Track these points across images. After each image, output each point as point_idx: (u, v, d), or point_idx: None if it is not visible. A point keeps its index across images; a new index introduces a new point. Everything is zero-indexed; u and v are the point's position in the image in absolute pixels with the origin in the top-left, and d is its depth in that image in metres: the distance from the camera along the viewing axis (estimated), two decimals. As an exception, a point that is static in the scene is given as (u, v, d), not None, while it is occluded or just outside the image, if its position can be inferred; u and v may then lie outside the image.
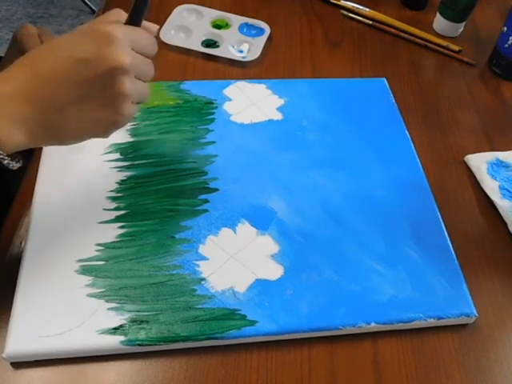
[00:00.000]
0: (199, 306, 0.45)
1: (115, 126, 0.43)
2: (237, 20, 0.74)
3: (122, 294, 0.46)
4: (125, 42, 0.40)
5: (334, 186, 0.55)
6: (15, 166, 0.41)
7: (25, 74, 0.40)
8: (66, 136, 0.42)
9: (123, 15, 0.43)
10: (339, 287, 0.48)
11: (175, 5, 0.75)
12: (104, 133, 0.43)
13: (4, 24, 1.90)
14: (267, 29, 0.73)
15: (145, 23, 0.44)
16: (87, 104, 0.40)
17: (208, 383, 0.43)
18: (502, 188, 0.58)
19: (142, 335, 0.43)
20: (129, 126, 0.58)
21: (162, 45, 0.70)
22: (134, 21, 0.43)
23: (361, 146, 0.60)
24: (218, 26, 0.74)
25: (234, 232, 0.51)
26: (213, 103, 0.62)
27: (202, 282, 0.47)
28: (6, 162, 0.40)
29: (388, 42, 0.76)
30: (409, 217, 0.54)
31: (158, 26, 0.46)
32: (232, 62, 0.69)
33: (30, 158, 0.56)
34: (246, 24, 0.74)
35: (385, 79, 0.68)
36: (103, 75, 0.39)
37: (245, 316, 0.45)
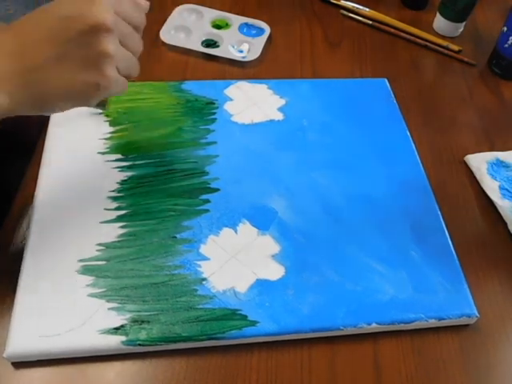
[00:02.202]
0: (200, 306, 0.45)
1: (98, 89, 0.40)
2: (237, 20, 0.74)
3: (123, 293, 0.46)
4: (108, 2, 0.39)
5: (334, 186, 0.55)
6: None
7: (7, 31, 0.39)
8: (47, 98, 0.40)
9: None
10: (340, 287, 0.48)
11: (175, 5, 0.75)
12: (87, 96, 0.41)
13: (4, 24, 1.90)
14: (267, 29, 0.73)
15: None
16: (68, 63, 0.39)
17: (208, 383, 0.43)
18: (501, 188, 0.58)
19: (142, 335, 0.43)
20: (129, 125, 0.58)
21: (162, 45, 0.70)
22: None
23: (362, 146, 0.60)
24: (217, 26, 0.74)
25: (235, 232, 0.51)
26: (214, 103, 0.62)
27: (203, 282, 0.47)
28: None
29: (388, 42, 0.76)
30: (409, 217, 0.54)
31: (148, 3, 0.44)
32: (232, 62, 0.69)
33: (30, 157, 0.56)
34: (246, 24, 0.74)
35: (386, 79, 0.68)
36: (84, 33, 0.38)
37: (246, 316, 0.45)
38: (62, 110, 0.43)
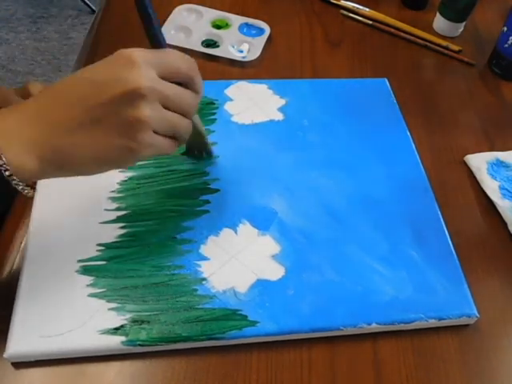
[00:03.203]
0: (200, 306, 0.45)
1: (131, 154, 0.39)
2: (236, 20, 0.74)
3: (123, 294, 0.46)
4: (145, 64, 0.38)
5: (334, 186, 0.55)
6: (30, 192, 0.40)
7: (38, 96, 0.39)
8: (79, 163, 0.40)
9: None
10: (340, 287, 0.48)
11: (175, 5, 0.75)
12: (118, 162, 0.41)
13: (4, 24, 1.90)
14: (267, 29, 0.74)
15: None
16: (100, 129, 0.38)
17: (208, 383, 0.43)
18: (501, 188, 0.58)
19: (143, 335, 0.43)
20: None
21: (163, 45, 0.70)
22: (155, 40, 0.41)
23: (362, 146, 0.60)
24: (217, 26, 0.74)
25: (235, 232, 0.51)
26: (214, 103, 0.62)
27: (203, 282, 0.47)
28: (20, 187, 0.39)
29: (388, 41, 0.76)
30: (410, 217, 0.54)
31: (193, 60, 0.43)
32: (232, 62, 0.69)
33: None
34: (246, 24, 0.74)
35: (386, 79, 0.68)
36: (118, 99, 0.37)
37: (246, 316, 0.45)
38: (93, 173, 0.42)
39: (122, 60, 0.38)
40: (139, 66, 0.38)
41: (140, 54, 0.38)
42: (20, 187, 0.39)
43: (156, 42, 0.42)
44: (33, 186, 0.40)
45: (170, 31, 0.71)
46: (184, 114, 0.42)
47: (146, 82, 0.38)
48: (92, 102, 0.38)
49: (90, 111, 0.38)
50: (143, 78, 0.38)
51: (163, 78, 0.39)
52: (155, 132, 0.40)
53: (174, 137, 0.42)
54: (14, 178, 0.38)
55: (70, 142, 0.38)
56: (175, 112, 0.41)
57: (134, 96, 0.37)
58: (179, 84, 0.41)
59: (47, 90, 0.40)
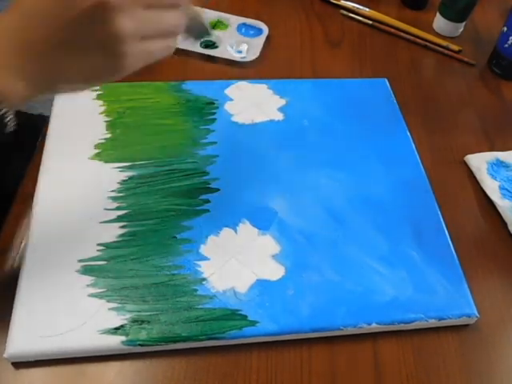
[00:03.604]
0: (200, 306, 0.45)
1: (119, 68, 0.36)
2: (235, 20, 0.74)
3: (123, 294, 0.46)
4: None
5: (335, 186, 0.55)
6: (11, 126, 0.37)
7: (10, 17, 0.36)
8: (66, 81, 0.37)
9: None
10: (340, 287, 0.48)
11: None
12: (109, 76, 0.37)
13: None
14: (265, 29, 0.73)
15: None
16: (78, 48, 0.35)
17: (208, 383, 0.43)
18: (501, 188, 0.58)
19: (143, 335, 0.43)
20: (129, 125, 0.58)
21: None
22: None
23: (362, 146, 0.60)
24: (216, 26, 0.74)
25: (235, 232, 0.51)
26: (214, 103, 0.62)
27: (203, 282, 0.47)
28: (7, 119, 0.37)
29: (388, 42, 0.76)
30: (410, 217, 0.54)
31: None
32: (231, 63, 0.69)
33: (30, 157, 0.56)
34: (244, 24, 0.74)
35: (386, 79, 0.68)
36: (87, 14, 0.33)
37: (246, 316, 0.45)
38: (85, 89, 0.39)
39: None
40: None
41: None
42: (7, 119, 0.37)
43: None
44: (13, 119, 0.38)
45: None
46: (172, 5, 0.38)
47: None
48: (60, 20, 0.34)
49: (60, 30, 0.35)
50: None
51: None
52: (144, 39, 0.36)
53: (167, 35, 0.38)
54: (2, 104, 0.36)
55: (53, 62, 0.36)
56: (162, 7, 0.37)
57: (106, 8, 0.34)
58: None
59: (15, 9, 0.36)
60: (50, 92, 0.39)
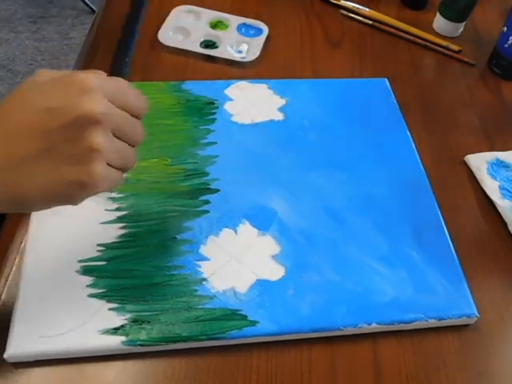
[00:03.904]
0: (200, 307, 0.45)
1: (83, 188, 0.36)
2: (235, 20, 0.74)
3: (123, 294, 0.46)
4: (99, 91, 0.36)
5: (335, 186, 0.55)
6: None
7: None
8: (26, 198, 0.36)
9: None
10: (340, 288, 0.48)
11: (173, 6, 0.75)
12: (69, 196, 0.37)
13: (4, 24, 1.90)
14: (265, 29, 0.73)
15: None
16: (50, 159, 0.35)
17: (208, 383, 0.43)
18: (501, 188, 0.58)
19: (143, 335, 0.43)
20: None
21: (161, 46, 0.70)
22: (119, 69, 0.39)
23: (362, 146, 0.60)
24: (216, 26, 0.74)
25: (235, 232, 0.51)
26: (214, 103, 0.62)
27: (203, 283, 0.47)
28: None
29: (388, 42, 0.76)
30: (410, 217, 0.54)
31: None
32: (231, 63, 0.69)
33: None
34: (244, 24, 0.74)
35: (386, 79, 0.68)
36: (70, 126, 0.35)
37: (246, 316, 0.45)
38: (42, 208, 0.39)
39: (76, 85, 0.35)
40: (93, 92, 0.35)
41: (94, 79, 0.36)
42: None
43: (120, 70, 0.40)
44: None
45: (168, 33, 0.71)
46: (133, 144, 0.39)
47: (100, 107, 0.35)
48: (44, 129, 0.35)
49: (39, 139, 0.35)
50: (97, 103, 0.35)
51: (115, 106, 0.37)
52: (108, 164, 0.37)
53: (120, 168, 0.39)
54: None
55: (16, 175, 0.36)
56: (125, 142, 0.38)
57: (86, 122, 0.35)
58: None
59: None
60: (8, 208, 0.38)
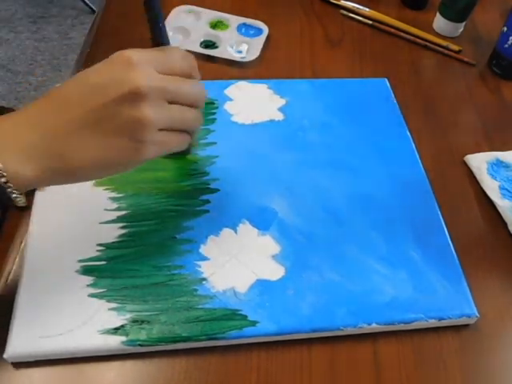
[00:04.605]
0: (200, 307, 0.45)
1: (136, 154, 0.38)
2: (234, 20, 0.74)
3: (123, 294, 0.46)
4: (145, 64, 0.38)
5: (335, 186, 0.55)
6: (22, 200, 0.38)
7: (39, 102, 0.38)
8: (80, 166, 0.38)
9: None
10: (340, 288, 0.48)
11: (173, 6, 0.75)
12: (124, 163, 0.39)
13: (4, 24, 1.90)
14: (265, 29, 0.73)
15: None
16: (100, 130, 0.37)
17: (208, 383, 0.43)
18: (501, 188, 0.58)
19: (143, 335, 0.43)
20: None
21: (162, 46, 0.70)
22: (158, 39, 0.42)
23: (362, 146, 0.60)
24: (215, 26, 0.74)
25: (235, 232, 0.51)
26: (214, 103, 0.62)
27: (203, 282, 0.47)
28: (14, 195, 0.37)
29: (388, 42, 0.76)
30: (410, 217, 0.54)
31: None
32: (231, 63, 0.69)
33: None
34: (244, 24, 0.74)
35: (386, 79, 0.68)
36: (118, 100, 0.37)
37: (246, 316, 0.45)
38: (97, 177, 0.41)
39: (121, 61, 0.38)
40: (138, 67, 0.37)
41: (139, 55, 0.38)
42: (14, 195, 0.37)
43: (159, 39, 0.43)
44: (27, 195, 0.39)
45: (168, 33, 0.71)
46: (192, 105, 0.41)
47: (145, 81, 0.37)
48: (91, 104, 0.37)
49: (90, 113, 0.37)
50: (142, 77, 0.37)
51: (164, 73, 0.39)
52: (163, 130, 0.39)
53: (185, 131, 0.42)
54: (10, 185, 0.37)
55: (70, 145, 0.37)
56: (183, 104, 0.41)
57: (134, 97, 0.37)
58: None
59: (47, 94, 0.39)
60: (61, 178, 0.39)
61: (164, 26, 0.44)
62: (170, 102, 0.40)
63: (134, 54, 0.38)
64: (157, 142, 0.39)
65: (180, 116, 0.40)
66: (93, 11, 1.97)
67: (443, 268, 0.50)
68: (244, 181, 0.55)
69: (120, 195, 0.52)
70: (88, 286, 0.46)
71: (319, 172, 0.57)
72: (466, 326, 0.48)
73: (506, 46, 0.70)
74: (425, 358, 0.46)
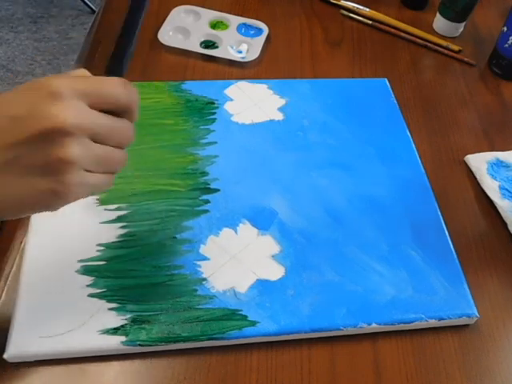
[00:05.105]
0: (200, 307, 0.45)
1: (58, 198, 0.34)
2: (235, 20, 0.74)
3: (123, 294, 0.46)
4: (71, 95, 0.32)
5: (335, 186, 0.55)
6: None
7: None
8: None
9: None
10: (340, 288, 0.48)
11: (173, 6, 0.75)
12: (44, 205, 0.35)
13: (4, 24, 1.90)
14: (265, 29, 0.73)
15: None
16: (17, 170, 0.33)
17: (208, 383, 0.43)
18: (501, 188, 0.58)
19: (143, 335, 0.43)
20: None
21: (161, 46, 0.70)
22: (109, 69, 0.37)
23: (362, 146, 0.60)
24: (216, 26, 0.74)
25: (235, 232, 0.51)
26: (214, 103, 0.62)
27: (203, 283, 0.47)
28: None
29: (388, 41, 0.76)
30: (410, 217, 0.54)
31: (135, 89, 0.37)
32: (231, 63, 0.69)
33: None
34: (244, 24, 0.74)
35: (386, 79, 0.68)
36: (37, 137, 0.32)
37: (246, 316, 0.45)
38: (18, 216, 0.37)
39: (47, 92, 0.32)
40: (65, 99, 0.32)
41: (68, 85, 0.33)
42: None
43: (116, 68, 0.38)
44: None
45: (168, 33, 0.71)
46: (118, 146, 0.36)
47: (71, 117, 0.32)
48: (9, 139, 0.32)
49: (7, 149, 0.32)
50: (68, 112, 0.32)
51: (95, 107, 0.34)
52: (86, 170, 0.35)
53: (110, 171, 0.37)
54: None
55: None
56: (108, 145, 0.36)
57: (57, 134, 0.32)
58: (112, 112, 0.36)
59: None
60: None
61: (129, 58, 0.39)
62: (97, 141, 0.35)
63: (62, 84, 0.33)
64: (81, 184, 0.34)
65: (106, 157, 0.36)
66: (93, 11, 1.97)
67: (443, 268, 0.50)
68: (244, 181, 0.55)
69: (120, 195, 0.52)
70: (88, 286, 0.46)
71: (319, 172, 0.57)
72: (466, 326, 0.48)
73: (506, 45, 0.70)
74: (425, 357, 0.46)
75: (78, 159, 0.33)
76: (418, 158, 0.59)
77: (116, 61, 0.37)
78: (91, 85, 0.34)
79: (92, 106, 0.34)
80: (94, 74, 0.36)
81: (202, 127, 0.59)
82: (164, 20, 0.72)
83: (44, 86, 0.33)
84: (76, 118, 0.32)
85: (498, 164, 0.60)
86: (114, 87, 0.35)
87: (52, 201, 0.35)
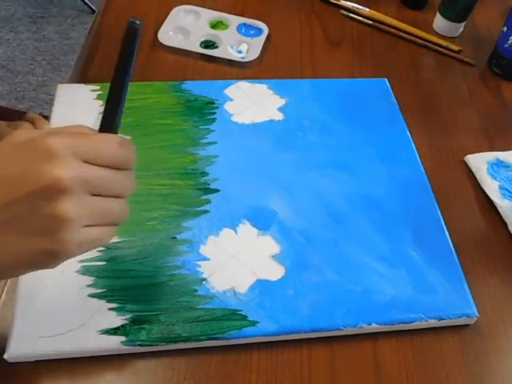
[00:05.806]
0: (200, 307, 0.45)
1: (55, 257, 0.34)
2: (235, 20, 0.74)
3: (123, 294, 0.46)
4: (67, 153, 0.32)
5: (335, 186, 0.55)
6: None
7: None
8: None
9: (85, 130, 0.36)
10: (340, 288, 0.48)
11: (173, 6, 0.75)
12: (42, 264, 0.35)
13: (4, 24, 1.90)
14: (265, 29, 0.73)
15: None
16: (13, 230, 0.32)
17: (208, 383, 0.43)
18: (501, 188, 0.58)
19: (143, 335, 0.43)
20: (129, 125, 0.58)
21: (161, 46, 0.70)
22: (103, 126, 0.36)
23: (362, 146, 0.60)
24: (216, 26, 0.74)
25: (235, 232, 0.51)
26: (214, 103, 0.62)
27: (203, 283, 0.47)
28: None
29: (388, 41, 0.76)
30: (410, 217, 0.54)
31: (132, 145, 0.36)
32: (231, 63, 0.69)
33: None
34: (244, 24, 0.74)
35: (386, 79, 0.68)
36: (33, 196, 0.32)
37: (246, 316, 0.45)
38: (16, 276, 0.37)
39: (41, 150, 0.32)
40: (60, 157, 0.32)
41: (62, 143, 0.32)
42: None
43: (110, 124, 0.37)
44: None
45: (168, 33, 0.71)
46: (119, 196, 0.36)
47: (66, 172, 0.32)
48: (5, 199, 0.32)
49: (3, 210, 0.32)
50: (63, 169, 0.32)
51: (91, 163, 0.34)
52: (87, 225, 0.34)
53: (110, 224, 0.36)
54: None
55: None
56: (108, 196, 0.35)
57: (52, 191, 0.32)
58: None
59: None
60: None
61: (121, 111, 0.38)
62: (95, 194, 0.34)
63: (56, 142, 0.32)
64: (80, 241, 0.34)
65: (105, 210, 0.35)
66: (93, 11, 1.97)
67: (443, 268, 0.50)
68: (244, 181, 0.55)
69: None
70: (88, 286, 0.46)
71: (319, 172, 0.57)
72: (466, 325, 0.48)
73: (506, 45, 0.70)
74: (425, 357, 0.46)
75: (73, 216, 0.32)
76: (418, 158, 0.59)
77: (109, 117, 0.37)
78: (87, 144, 0.34)
79: (87, 162, 0.34)
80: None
81: (201, 127, 0.59)
82: (164, 20, 0.72)
83: (40, 145, 0.32)
84: (71, 172, 0.32)
85: (498, 164, 0.60)
86: (111, 147, 0.35)
87: (49, 261, 0.34)
